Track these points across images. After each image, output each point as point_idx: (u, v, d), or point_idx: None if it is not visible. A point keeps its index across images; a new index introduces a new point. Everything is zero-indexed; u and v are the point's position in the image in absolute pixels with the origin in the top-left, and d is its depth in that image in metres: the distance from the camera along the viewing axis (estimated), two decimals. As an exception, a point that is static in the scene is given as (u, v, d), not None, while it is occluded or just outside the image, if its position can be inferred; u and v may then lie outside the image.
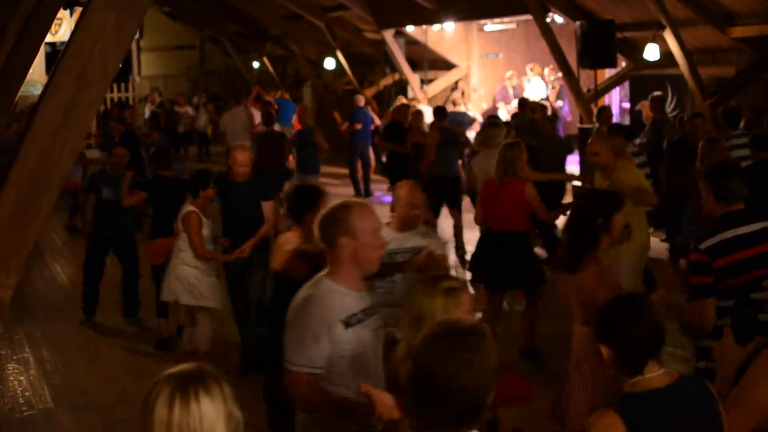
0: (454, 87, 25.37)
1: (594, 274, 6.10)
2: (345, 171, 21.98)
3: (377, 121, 22.59)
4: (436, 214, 14.62)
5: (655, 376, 3.85)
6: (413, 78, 24.36)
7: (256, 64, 34.74)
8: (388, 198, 17.60)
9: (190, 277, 9.38)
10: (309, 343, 4.45)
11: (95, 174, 12.46)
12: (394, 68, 24.73)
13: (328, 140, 19.01)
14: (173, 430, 2.98)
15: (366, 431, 4.42)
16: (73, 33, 4.07)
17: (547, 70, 21.99)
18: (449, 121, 16.72)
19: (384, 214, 6.96)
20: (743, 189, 5.93)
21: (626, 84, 19.97)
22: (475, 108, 23.53)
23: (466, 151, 16.13)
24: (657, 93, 15.91)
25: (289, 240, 6.93)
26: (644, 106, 16.95)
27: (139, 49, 36.78)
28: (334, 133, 25.60)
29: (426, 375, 3.15)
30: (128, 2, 4.03)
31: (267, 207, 9.60)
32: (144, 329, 11.58)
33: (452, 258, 13.82)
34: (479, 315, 9.52)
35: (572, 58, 17.80)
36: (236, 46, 35.37)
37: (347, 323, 4.54)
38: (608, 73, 19.67)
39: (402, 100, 21.94)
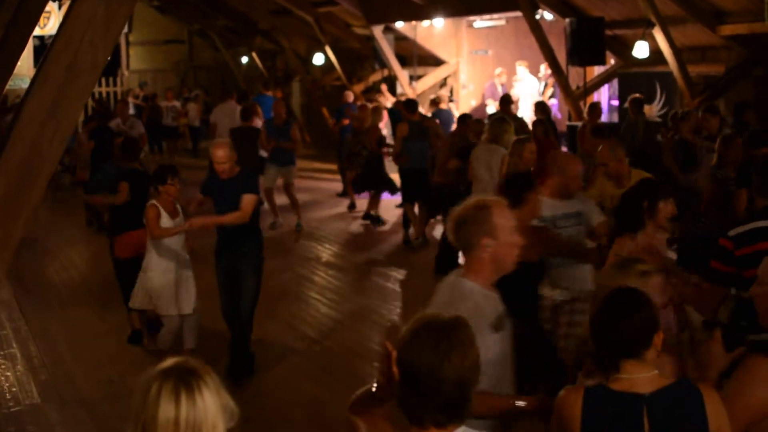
0: (443, 83, 25.36)
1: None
2: (334, 166, 21.94)
3: None
4: (412, 204, 15.51)
5: (640, 378, 3.72)
6: (402, 74, 24.35)
7: (245, 59, 34.70)
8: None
9: (154, 285, 9.35)
10: None
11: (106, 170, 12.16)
12: (383, 64, 24.71)
13: (317, 135, 19.07)
14: (181, 426, 2.94)
15: None
16: (63, 23, 4.04)
17: (543, 67, 21.97)
18: (442, 119, 17.09)
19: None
20: None
21: (615, 81, 19.98)
22: (463, 104, 23.57)
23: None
24: (635, 95, 15.87)
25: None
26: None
27: (127, 43, 36.67)
28: (323, 128, 25.67)
29: (409, 368, 3.18)
30: (118, -7, 4.01)
31: (247, 199, 9.18)
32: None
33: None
34: None
35: (561, 56, 17.83)
36: (225, 41, 35.33)
37: (495, 327, 4.53)
38: (597, 70, 19.69)
39: (380, 96, 21.98)
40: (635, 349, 3.73)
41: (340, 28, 26.41)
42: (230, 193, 9.26)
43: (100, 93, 33.24)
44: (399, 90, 24.70)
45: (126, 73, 36.99)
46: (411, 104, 16.31)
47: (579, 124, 16.89)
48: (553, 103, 21.96)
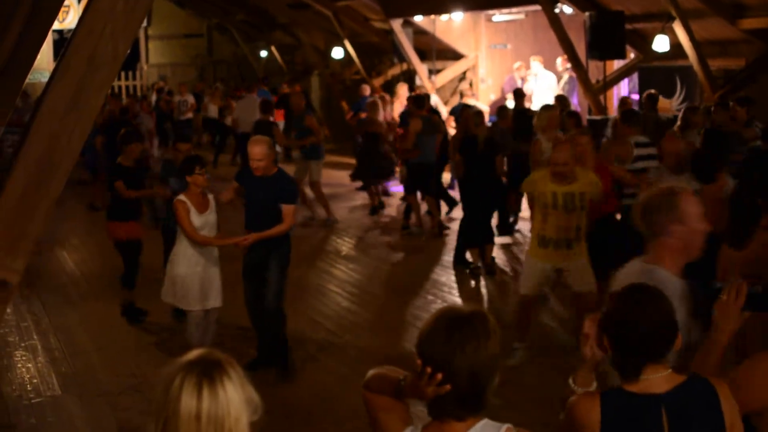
0: (462, 77, 25.32)
1: (763, 244, 6.19)
2: (353, 160, 21.95)
3: None
4: (415, 195, 16.08)
5: (656, 378, 3.66)
6: (421, 68, 24.31)
7: (264, 53, 34.72)
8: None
9: (180, 280, 9.27)
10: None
11: (164, 164, 12.14)
12: (402, 58, 24.67)
13: (336, 129, 19.15)
14: (202, 419, 2.91)
15: None
16: (83, 15, 4.05)
17: (560, 61, 21.90)
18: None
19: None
20: None
21: (635, 75, 19.91)
22: (483, 98, 23.53)
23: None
24: (650, 91, 15.86)
25: None
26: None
27: (146, 37, 36.78)
28: (342, 122, 25.63)
29: (426, 360, 3.20)
30: (138, -16, 4.02)
31: (288, 210, 9.23)
32: (152, 316, 11.58)
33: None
34: None
35: (581, 49, 17.77)
36: (244, 35, 35.35)
37: (695, 313, 4.51)
38: (617, 64, 19.62)
39: (401, 88, 21.97)
40: (659, 352, 3.69)
41: (359, 22, 26.38)
42: (264, 193, 9.24)
43: (119, 87, 33.33)
44: (418, 83, 24.67)
45: (145, 67, 37.09)
46: (420, 99, 16.71)
47: (599, 117, 16.87)
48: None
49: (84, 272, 14.07)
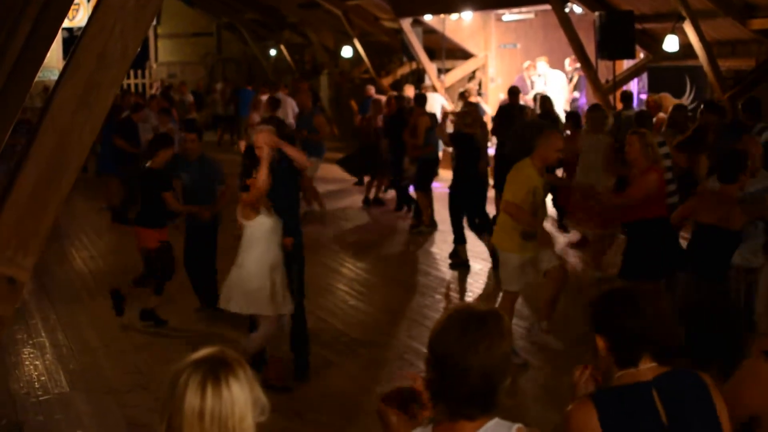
0: (472, 77, 25.32)
1: None
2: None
3: None
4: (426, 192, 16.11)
5: (644, 369, 3.71)
6: (430, 67, 24.32)
7: (273, 52, 34.74)
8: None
9: (252, 285, 8.73)
10: None
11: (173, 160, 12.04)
12: (412, 57, 24.68)
13: (345, 128, 19.28)
14: (205, 418, 2.92)
15: None
16: (94, 12, 4.05)
17: (568, 62, 21.90)
18: None
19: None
20: None
21: (644, 75, 19.88)
22: (492, 98, 23.56)
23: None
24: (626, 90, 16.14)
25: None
26: (665, 98, 16.90)
27: (156, 35, 36.79)
28: (351, 121, 25.63)
29: (437, 358, 3.21)
30: (149, -18, 4.03)
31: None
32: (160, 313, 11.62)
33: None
34: None
35: (590, 49, 17.75)
36: (253, 34, 35.36)
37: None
38: (626, 64, 19.60)
39: (407, 89, 22.07)
40: (656, 341, 3.73)
41: (369, 21, 26.39)
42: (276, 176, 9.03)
43: (128, 85, 33.37)
44: (427, 82, 24.69)
45: (154, 65, 37.11)
46: (422, 98, 17.41)
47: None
48: (576, 95, 21.89)
49: (92, 269, 14.09)
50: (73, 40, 29.38)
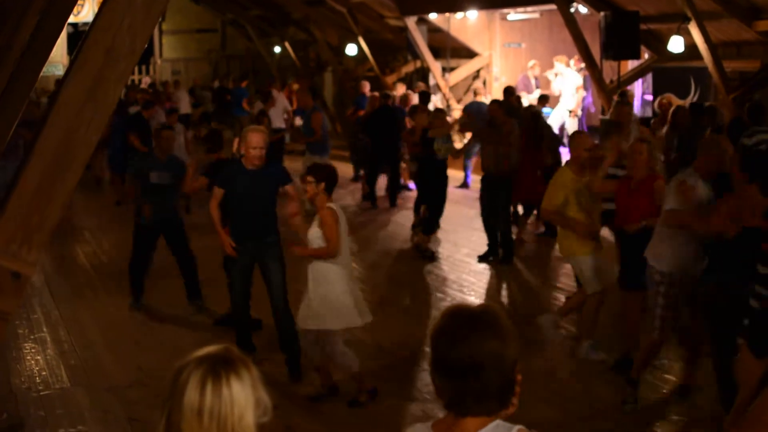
0: (476, 76, 25.32)
1: None
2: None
3: None
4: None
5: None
6: (435, 66, 24.32)
7: (277, 49, 34.71)
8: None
9: (332, 298, 8.41)
10: None
11: (141, 158, 12.02)
12: (416, 55, 24.69)
13: (348, 125, 19.44)
14: (204, 415, 2.91)
15: None
16: (102, 8, 4.04)
17: (572, 62, 21.89)
18: (473, 111, 18.05)
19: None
20: None
21: (649, 76, 19.86)
22: (496, 96, 23.51)
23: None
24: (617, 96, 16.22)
25: None
26: (669, 98, 16.87)
27: (161, 31, 36.78)
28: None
29: (436, 355, 3.17)
30: (157, -22, 4.02)
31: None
32: (161, 310, 11.61)
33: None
34: None
35: (595, 49, 17.75)
36: (258, 31, 35.31)
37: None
38: (631, 64, 19.59)
39: (401, 87, 22.16)
40: None
41: (374, 19, 26.38)
42: (261, 185, 9.28)
43: (133, 80, 33.37)
44: (432, 81, 24.69)
45: (159, 61, 37.12)
46: (426, 95, 17.87)
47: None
48: (583, 95, 21.89)
49: (95, 265, 14.09)
50: (78, 35, 29.38)
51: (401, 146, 17.67)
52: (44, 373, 9.53)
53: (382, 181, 19.01)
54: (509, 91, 17.91)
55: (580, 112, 21.69)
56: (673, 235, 8.18)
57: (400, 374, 9.31)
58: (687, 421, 8.18)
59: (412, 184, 18.22)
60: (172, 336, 10.70)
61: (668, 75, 18.21)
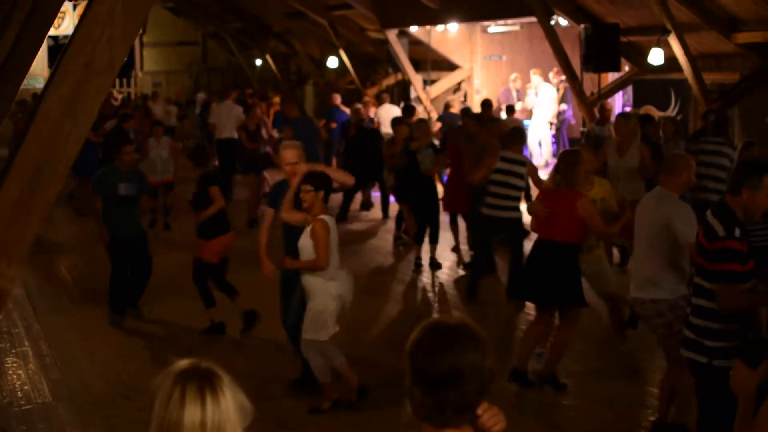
0: (457, 88, 25.38)
1: None
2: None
3: None
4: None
5: None
6: (416, 78, 24.36)
7: (258, 62, 34.74)
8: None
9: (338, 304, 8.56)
10: None
11: (106, 171, 12.01)
12: (397, 68, 24.74)
13: (329, 137, 19.59)
14: (207, 427, 2.95)
15: None
16: (81, 21, 4.04)
17: (551, 74, 21.99)
18: (446, 122, 18.94)
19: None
20: None
21: (629, 88, 19.96)
22: (477, 109, 23.56)
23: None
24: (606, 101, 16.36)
25: None
26: (649, 110, 16.94)
27: (141, 44, 36.76)
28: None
29: (416, 368, 3.17)
30: (136, -8, 4.01)
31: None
32: (143, 323, 11.58)
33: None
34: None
35: (576, 62, 17.81)
36: (239, 43, 35.34)
37: None
38: (612, 76, 19.66)
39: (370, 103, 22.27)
40: None
41: (354, 31, 26.43)
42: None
43: (126, 93, 33.36)
44: (413, 94, 24.74)
45: (139, 74, 37.08)
46: (410, 109, 18.15)
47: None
48: (564, 108, 21.98)
49: (76, 278, 14.04)
50: (58, 48, 29.29)
51: (384, 162, 17.56)
52: (26, 387, 9.48)
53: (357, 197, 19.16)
54: (486, 104, 17.96)
55: (555, 120, 21.86)
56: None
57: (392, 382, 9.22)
58: None
59: (392, 197, 18.26)
60: (155, 349, 10.67)
61: (648, 87, 18.32)
